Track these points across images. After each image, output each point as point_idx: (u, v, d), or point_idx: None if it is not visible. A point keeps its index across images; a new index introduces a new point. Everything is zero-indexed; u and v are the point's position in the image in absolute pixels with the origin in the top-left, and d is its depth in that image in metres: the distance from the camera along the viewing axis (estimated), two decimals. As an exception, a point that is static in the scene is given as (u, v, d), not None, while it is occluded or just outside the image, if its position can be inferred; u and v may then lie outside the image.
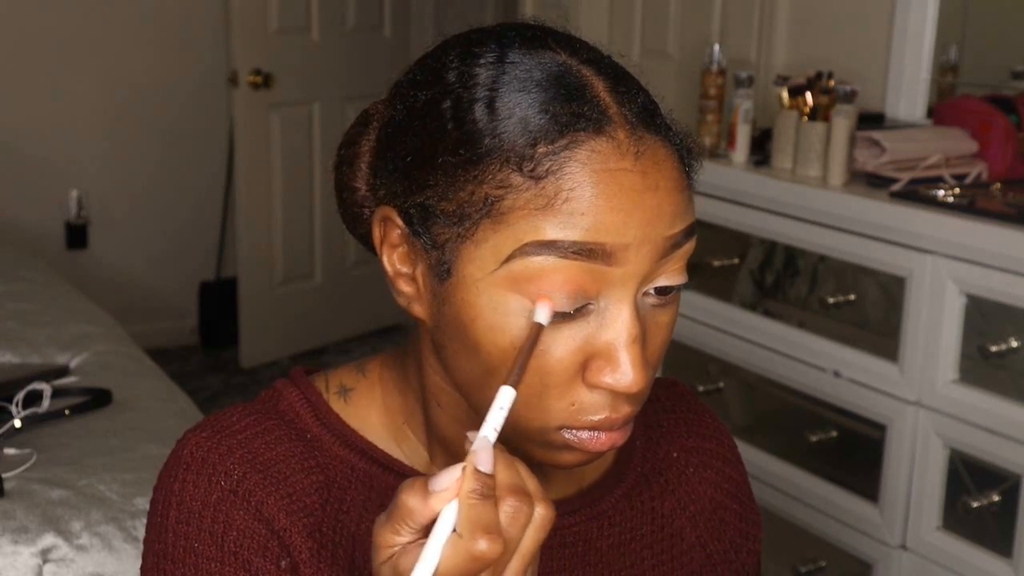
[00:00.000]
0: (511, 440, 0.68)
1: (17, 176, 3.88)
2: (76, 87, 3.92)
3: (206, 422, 0.79)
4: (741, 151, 2.22)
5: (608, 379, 0.67)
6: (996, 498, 1.75)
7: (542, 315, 0.65)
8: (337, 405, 0.81)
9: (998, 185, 1.97)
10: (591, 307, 0.67)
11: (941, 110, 2.21)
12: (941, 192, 1.91)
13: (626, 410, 0.69)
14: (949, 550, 1.82)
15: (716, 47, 2.31)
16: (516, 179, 0.65)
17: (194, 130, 4.13)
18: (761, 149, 2.25)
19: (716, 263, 2.20)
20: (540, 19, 0.74)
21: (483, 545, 0.59)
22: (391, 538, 0.61)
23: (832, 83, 2.14)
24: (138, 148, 4.06)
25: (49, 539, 1.56)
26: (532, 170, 0.65)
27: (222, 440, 0.77)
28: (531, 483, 0.63)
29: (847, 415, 1.98)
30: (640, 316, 0.68)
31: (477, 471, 0.60)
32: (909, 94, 2.36)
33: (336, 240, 4.16)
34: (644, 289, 0.68)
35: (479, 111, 0.67)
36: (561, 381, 0.68)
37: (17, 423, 1.80)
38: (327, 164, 4.25)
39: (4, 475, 1.65)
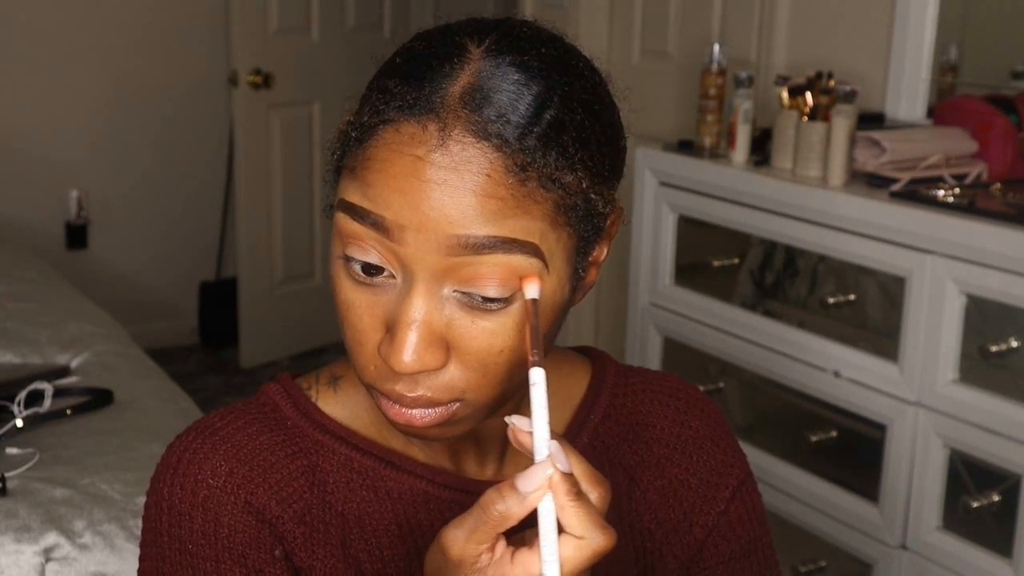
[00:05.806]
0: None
1: (17, 176, 3.88)
2: (76, 87, 3.92)
3: (190, 427, 0.82)
4: (741, 151, 2.23)
5: (384, 350, 0.69)
6: (996, 498, 1.75)
7: (530, 291, 0.68)
8: (327, 394, 0.83)
9: (998, 185, 1.97)
10: (393, 281, 0.69)
11: (941, 110, 2.21)
12: (941, 192, 1.91)
13: (419, 392, 0.70)
14: (949, 550, 1.82)
15: (716, 47, 2.31)
16: (350, 140, 0.71)
17: (194, 130, 4.13)
18: (761, 149, 2.25)
19: (716, 263, 2.21)
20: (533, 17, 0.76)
21: (604, 539, 0.63)
22: (477, 548, 0.64)
23: (832, 83, 2.14)
24: (138, 148, 4.06)
25: (52, 538, 1.57)
26: (356, 137, 0.70)
27: (206, 440, 0.79)
28: (588, 464, 0.65)
29: (847, 415, 1.98)
30: (442, 311, 0.68)
31: (563, 473, 0.63)
32: (909, 94, 2.36)
33: (336, 240, 4.15)
34: (450, 285, 0.68)
35: (372, 83, 0.72)
36: (365, 339, 0.71)
37: (19, 423, 1.81)
38: (327, 164, 4.27)
39: (7, 474, 1.66)
